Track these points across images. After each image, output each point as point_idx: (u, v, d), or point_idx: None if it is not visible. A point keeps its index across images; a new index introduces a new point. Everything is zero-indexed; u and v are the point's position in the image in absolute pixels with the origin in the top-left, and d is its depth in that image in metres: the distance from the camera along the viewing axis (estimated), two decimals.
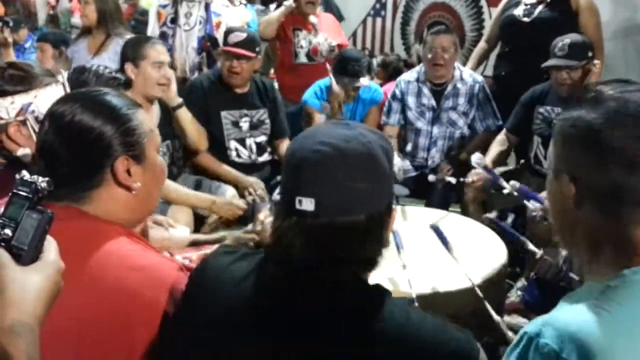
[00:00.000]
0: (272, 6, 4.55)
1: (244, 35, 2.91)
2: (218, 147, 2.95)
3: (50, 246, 0.79)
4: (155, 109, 2.66)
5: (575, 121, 0.89)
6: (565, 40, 2.77)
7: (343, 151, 0.92)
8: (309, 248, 0.92)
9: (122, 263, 1.06)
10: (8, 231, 0.76)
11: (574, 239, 0.92)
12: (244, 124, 3.01)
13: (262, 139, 3.06)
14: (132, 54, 2.53)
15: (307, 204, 0.90)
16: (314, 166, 0.92)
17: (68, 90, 1.48)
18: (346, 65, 3.25)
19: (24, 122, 1.43)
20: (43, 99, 1.43)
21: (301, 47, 3.80)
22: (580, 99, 0.91)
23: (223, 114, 2.96)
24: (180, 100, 2.71)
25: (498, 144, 3.06)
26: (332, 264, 0.93)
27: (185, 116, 2.73)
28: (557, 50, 2.76)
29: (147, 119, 1.18)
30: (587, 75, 2.71)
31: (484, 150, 3.34)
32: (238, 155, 3.01)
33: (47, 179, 0.79)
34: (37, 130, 1.40)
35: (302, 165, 0.93)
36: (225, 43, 2.91)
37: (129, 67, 2.51)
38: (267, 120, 3.07)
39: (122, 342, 1.01)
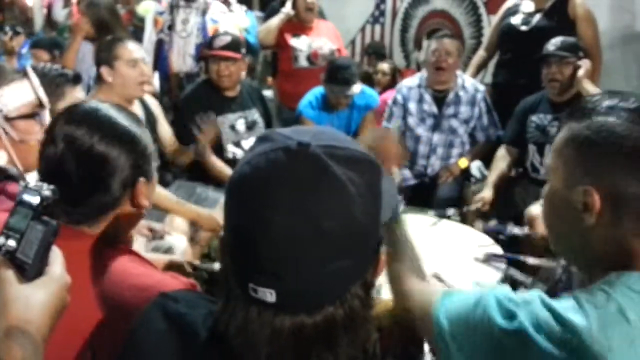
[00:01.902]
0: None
1: (229, 38, 2.97)
2: (216, 151, 2.96)
3: (56, 259, 0.76)
4: (138, 110, 2.64)
5: (599, 129, 0.87)
6: (558, 38, 2.86)
7: (315, 221, 0.65)
8: (273, 354, 0.70)
9: (125, 282, 1.05)
10: (12, 243, 0.72)
11: (578, 247, 0.92)
12: (241, 126, 3.04)
13: None
14: (105, 56, 2.50)
15: (265, 295, 0.67)
16: (274, 247, 0.66)
17: (34, 84, 1.44)
18: (336, 74, 3.25)
19: None
20: (10, 96, 1.40)
21: (301, 51, 3.81)
22: (579, 108, 0.90)
23: (219, 119, 2.97)
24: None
25: (500, 160, 3.06)
26: None
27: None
28: (550, 45, 2.84)
29: (148, 134, 1.20)
30: (575, 74, 2.75)
31: (483, 159, 3.35)
32: (235, 157, 3.01)
33: (52, 187, 0.76)
34: (6, 129, 1.39)
35: (254, 242, 0.66)
36: (211, 48, 2.94)
37: (104, 70, 2.49)
38: (260, 120, 3.12)
39: None
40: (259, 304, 0.68)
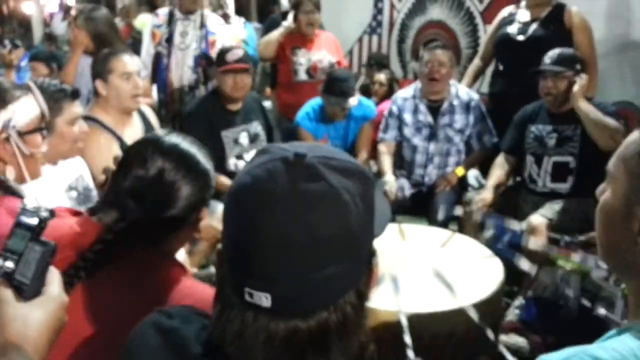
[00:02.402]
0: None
1: (241, 52, 3.07)
2: (218, 164, 2.96)
3: (54, 279, 0.77)
4: (137, 122, 2.65)
5: None
6: (556, 50, 2.85)
7: (310, 228, 0.67)
8: (271, 357, 0.71)
9: (186, 296, 1.12)
10: (10, 264, 0.74)
11: (630, 276, 0.85)
12: (244, 139, 3.07)
13: None
14: (99, 69, 2.51)
15: (261, 300, 0.68)
16: (269, 252, 0.68)
17: (39, 99, 1.50)
18: (334, 86, 3.27)
19: (7, 139, 1.43)
20: (20, 112, 1.44)
21: (300, 64, 3.84)
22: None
23: (223, 133, 3.01)
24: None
25: (498, 168, 3.06)
26: None
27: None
28: (546, 58, 2.83)
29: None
30: (571, 88, 2.74)
31: (479, 166, 3.36)
32: (237, 169, 3.03)
33: (50, 208, 0.77)
34: (20, 145, 1.43)
35: (250, 248, 0.69)
36: (225, 62, 2.97)
37: (99, 84, 2.50)
38: (262, 132, 3.15)
39: None
40: (254, 309, 0.69)
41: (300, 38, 3.83)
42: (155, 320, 0.84)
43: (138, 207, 1.19)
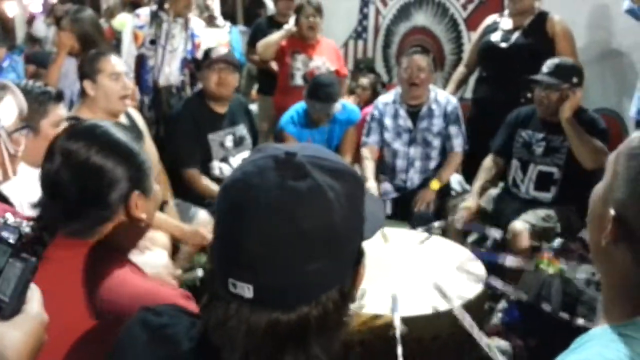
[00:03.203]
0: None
1: (225, 49, 3.15)
2: (203, 168, 2.96)
3: (33, 296, 0.74)
4: (125, 124, 2.61)
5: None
6: (555, 60, 2.84)
7: (294, 223, 0.69)
8: (248, 348, 0.72)
9: (126, 291, 1.07)
10: None
11: (603, 272, 0.86)
12: (229, 143, 3.05)
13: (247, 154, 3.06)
14: (87, 70, 2.49)
15: (244, 290, 0.70)
16: (253, 244, 0.69)
17: (18, 98, 1.46)
18: (318, 91, 3.27)
19: None
20: (5, 112, 1.42)
21: (298, 69, 3.85)
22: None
23: (210, 136, 2.99)
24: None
25: (486, 171, 3.06)
26: None
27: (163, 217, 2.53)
28: (544, 67, 2.81)
29: (149, 148, 1.20)
30: (564, 101, 2.73)
31: (462, 170, 3.37)
32: (222, 173, 3.01)
33: (30, 223, 0.75)
34: (8, 145, 1.41)
35: (237, 239, 0.71)
36: (210, 58, 2.97)
37: (87, 84, 2.47)
38: (247, 136, 3.13)
39: None
40: (238, 300, 0.71)
41: (301, 43, 3.88)
42: (143, 318, 0.85)
43: (58, 198, 1.13)
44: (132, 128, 2.65)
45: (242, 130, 3.12)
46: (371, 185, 3.15)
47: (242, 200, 0.72)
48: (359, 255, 0.78)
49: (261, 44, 3.98)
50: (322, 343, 0.73)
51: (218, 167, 3.01)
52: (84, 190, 1.12)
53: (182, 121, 2.98)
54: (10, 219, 0.75)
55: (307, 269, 0.70)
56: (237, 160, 3.04)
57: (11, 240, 0.73)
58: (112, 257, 1.14)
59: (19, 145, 1.46)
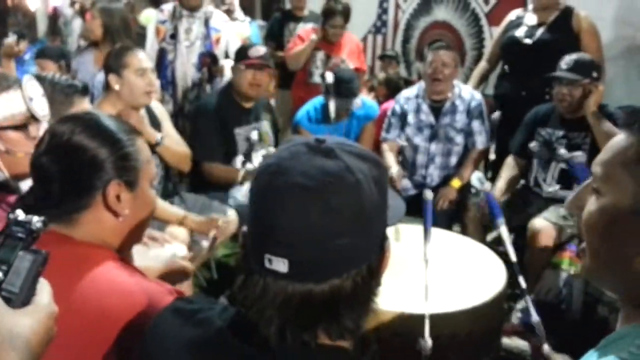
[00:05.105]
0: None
1: (264, 49, 3.03)
2: (226, 163, 2.97)
3: (43, 288, 0.75)
4: (143, 115, 2.62)
5: None
6: (573, 56, 2.79)
7: (325, 200, 0.74)
8: (284, 320, 0.76)
9: (108, 288, 1.04)
10: None
11: (625, 278, 0.81)
12: (255, 137, 3.05)
13: (271, 150, 3.08)
14: (114, 64, 2.49)
15: (279, 265, 0.75)
16: (288, 220, 0.74)
17: (27, 96, 1.43)
18: (339, 87, 3.26)
19: None
20: (2, 104, 1.40)
21: (317, 67, 3.86)
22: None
23: (236, 130, 2.99)
24: (158, 137, 2.58)
25: (508, 170, 3.03)
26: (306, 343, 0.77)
27: (166, 152, 2.63)
28: (563, 64, 2.77)
29: (146, 150, 1.18)
30: (587, 96, 2.69)
31: (474, 169, 3.34)
32: (244, 168, 3.01)
33: (42, 218, 0.76)
34: None
35: (272, 217, 0.76)
36: (247, 57, 2.93)
37: (112, 78, 2.47)
38: (270, 131, 3.15)
39: None
40: (272, 275, 0.76)
41: (323, 43, 3.95)
42: (176, 306, 0.91)
43: (44, 182, 1.11)
44: (151, 119, 2.66)
45: (265, 126, 3.11)
46: (394, 170, 3.12)
47: (276, 181, 0.76)
48: (384, 239, 0.82)
49: (290, 56, 4.05)
50: (353, 317, 0.78)
51: (241, 161, 3.01)
52: (65, 171, 1.09)
53: (207, 113, 2.97)
54: (21, 215, 0.75)
55: (338, 243, 0.75)
56: (258, 156, 3.04)
57: (21, 235, 0.74)
58: (99, 253, 1.10)
59: (16, 145, 1.42)
